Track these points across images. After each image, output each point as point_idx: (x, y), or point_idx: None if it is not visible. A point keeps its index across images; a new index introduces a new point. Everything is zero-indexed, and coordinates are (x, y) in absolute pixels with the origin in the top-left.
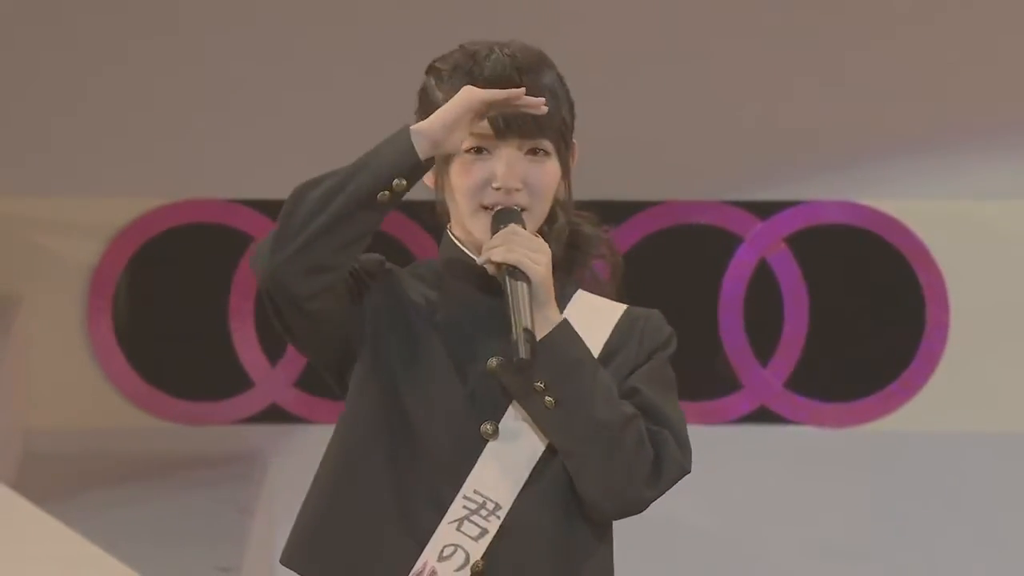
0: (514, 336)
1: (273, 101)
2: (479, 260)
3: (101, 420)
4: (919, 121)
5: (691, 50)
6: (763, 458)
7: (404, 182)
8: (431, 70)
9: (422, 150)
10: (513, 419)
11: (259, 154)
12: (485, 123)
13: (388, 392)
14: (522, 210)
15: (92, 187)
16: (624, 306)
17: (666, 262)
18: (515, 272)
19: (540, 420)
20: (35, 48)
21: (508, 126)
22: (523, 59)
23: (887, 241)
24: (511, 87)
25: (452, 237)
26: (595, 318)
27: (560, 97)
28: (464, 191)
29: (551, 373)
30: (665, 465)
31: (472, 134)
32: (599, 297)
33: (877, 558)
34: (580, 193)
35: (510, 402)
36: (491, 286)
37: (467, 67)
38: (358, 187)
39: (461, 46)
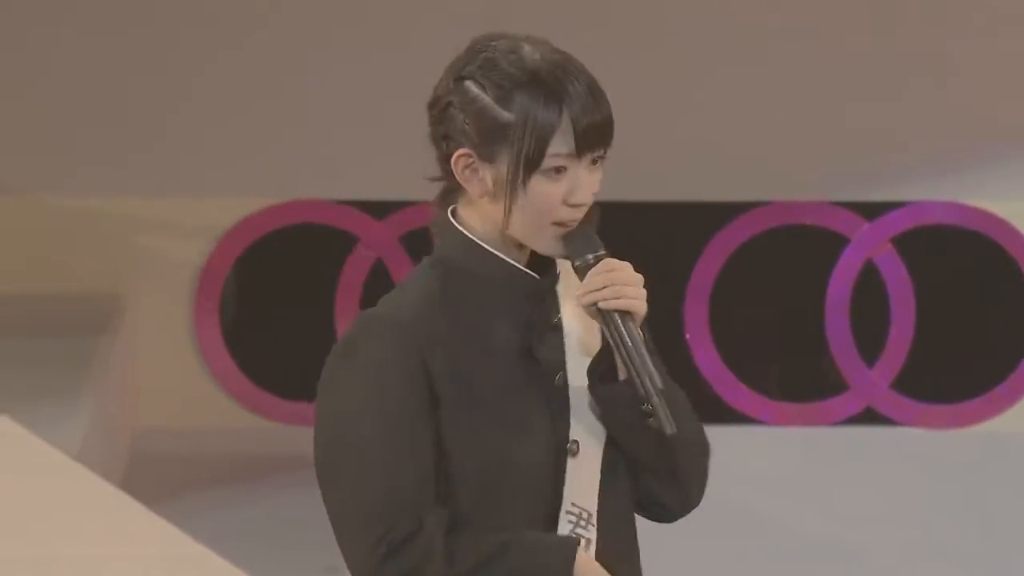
0: (648, 404)
1: (380, 102)
2: (580, 303)
3: (208, 420)
4: None
5: (799, 51)
6: (869, 460)
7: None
8: (474, 82)
9: None
10: (580, 426)
11: (365, 155)
12: (572, 144)
13: (467, 437)
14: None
15: (199, 188)
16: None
17: (773, 263)
18: (623, 314)
19: (634, 440)
20: (142, 50)
21: (589, 144)
22: (573, 67)
23: (994, 242)
24: (586, 107)
25: (473, 238)
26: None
27: (606, 96)
28: (544, 209)
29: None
30: (707, 464)
31: (558, 155)
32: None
33: (983, 561)
34: (687, 195)
35: (570, 409)
36: (534, 291)
37: (530, 84)
38: None
39: (487, 51)
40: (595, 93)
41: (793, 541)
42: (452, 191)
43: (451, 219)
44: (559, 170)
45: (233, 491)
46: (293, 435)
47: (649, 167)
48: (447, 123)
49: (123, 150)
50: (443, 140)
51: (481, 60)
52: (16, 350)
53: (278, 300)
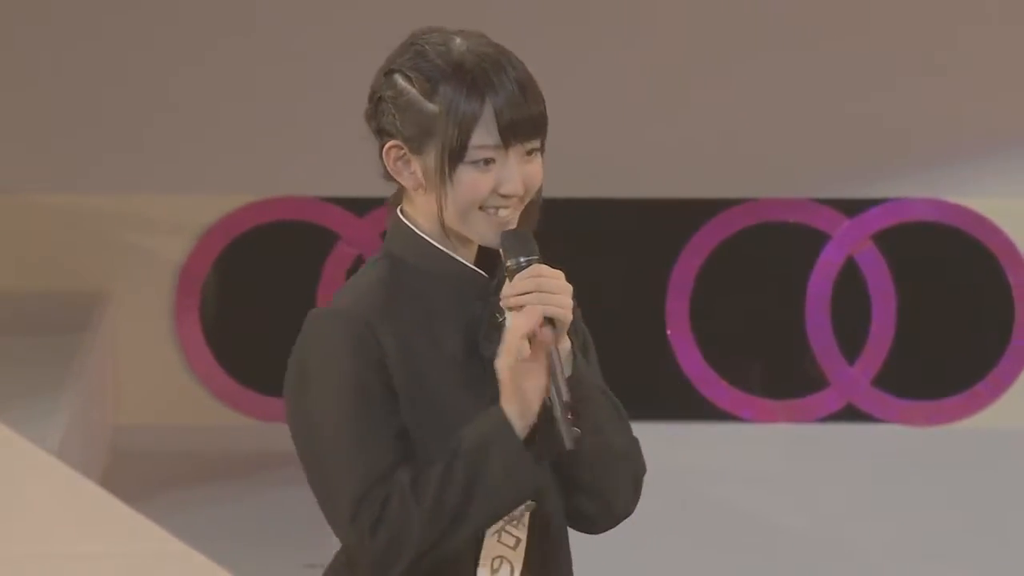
0: (557, 416)
1: (361, 99)
2: (504, 304)
3: (189, 417)
4: (1008, 119)
5: (781, 49)
6: (850, 456)
7: (533, 503)
8: (402, 75)
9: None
10: None
11: (347, 152)
12: (496, 135)
13: (414, 432)
14: (516, 205)
15: (180, 185)
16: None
17: (753, 260)
18: (545, 320)
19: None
20: (123, 47)
21: (515, 135)
22: (503, 60)
23: (975, 239)
24: (511, 98)
25: (420, 234)
26: None
27: (539, 89)
28: (470, 200)
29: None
30: (640, 473)
31: (482, 146)
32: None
33: (963, 556)
34: (668, 191)
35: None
36: (482, 288)
37: (455, 76)
38: (479, 524)
39: (418, 44)
40: (524, 85)
41: (775, 537)
42: (401, 189)
43: (399, 216)
44: (487, 162)
45: (214, 488)
46: (274, 432)
47: (629, 164)
48: (380, 117)
49: (103, 147)
50: (377, 134)
51: (411, 53)
52: None
53: (259, 297)
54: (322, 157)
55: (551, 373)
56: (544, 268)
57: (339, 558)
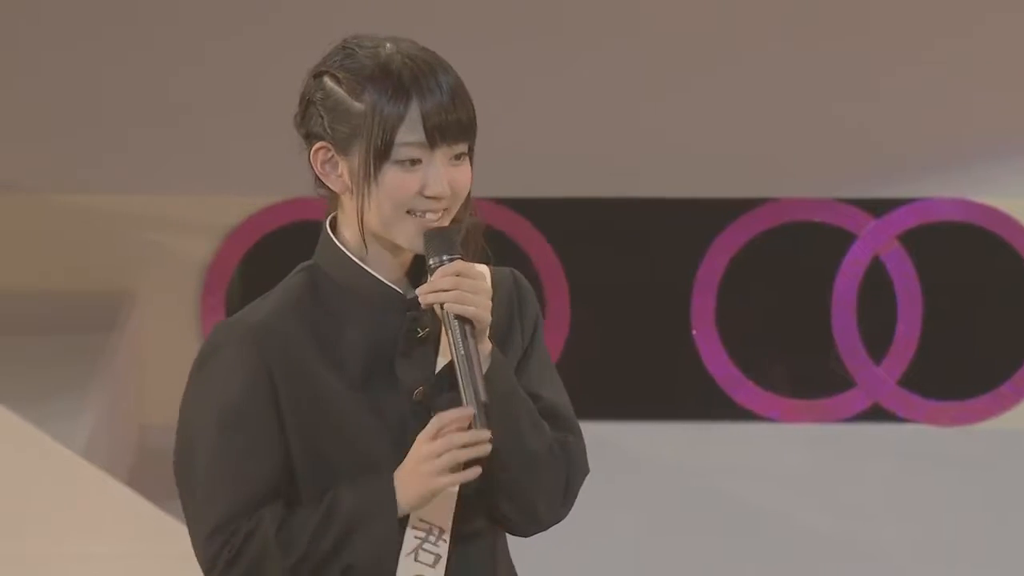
0: (468, 403)
1: None
2: (422, 301)
3: None
4: None
5: (805, 47)
6: (876, 456)
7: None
8: (330, 76)
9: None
10: None
11: None
12: (421, 134)
13: (309, 454)
14: (442, 213)
15: (206, 185)
16: (485, 268)
17: (779, 260)
18: (463, 320)
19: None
20: (150, 47)
21: (443, 136)
22: (432, 64)
23: (1002, 238)
24: (437, 99)
25: (343, 249)
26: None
27: (468, 93)
28: (396, 201)
29: (481, 415)
30: (575, 479)
31: (407, 144)
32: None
33: (988, 557)
34: (694, 191)
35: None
36: (398, 304)
37: (382, 77)
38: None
39: (348, 47)
40: (453, 88)
41: (800, 537)
42: (334, 198)
43: (326, 225)
44: (414, 162)
45: None
46: None
47: (655, 163)
48: (308, 121)
49: (130, 148)
50: (307, 139)
51: (340, 55)
52: (23, 347)
53: None
54: None
55: (462, 364)
56: (467, 267)
57: None
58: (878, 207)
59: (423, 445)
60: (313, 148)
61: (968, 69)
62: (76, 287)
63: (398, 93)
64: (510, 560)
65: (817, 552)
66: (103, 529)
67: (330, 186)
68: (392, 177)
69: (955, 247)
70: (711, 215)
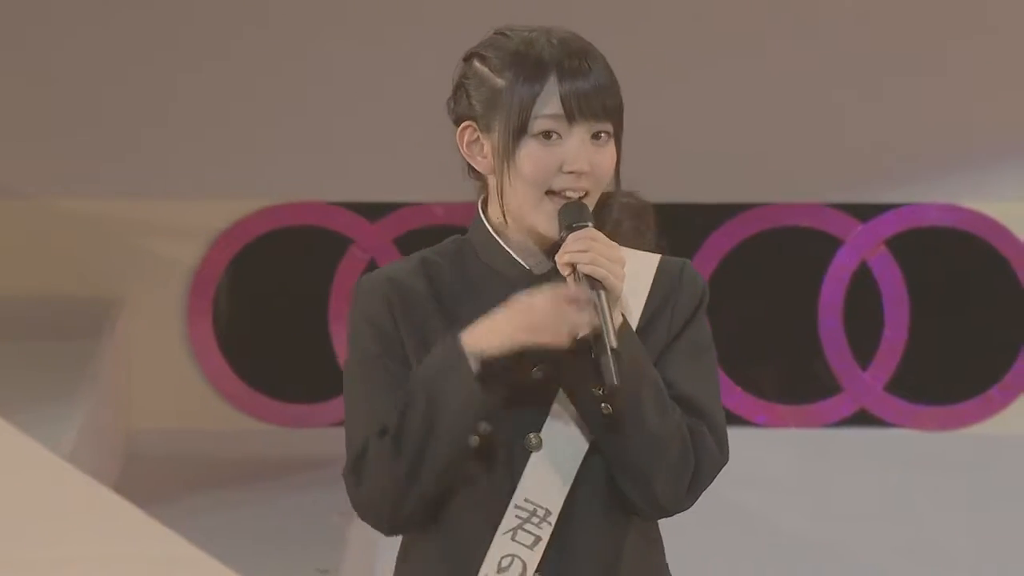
0: (599, 355)
1: (374, 104)
2: (558, 261)
3: (201, 422)
4: (1022, 122)
5: (793, 52)
6: (862, 461)
7: (489, 425)
8: (478, 57)
9: (476, 370)
10: (556, 424)
11: (359, 157)
12: (558, 105)
13: None
14: (584, 195)
15: (193, 190)
16: (657, 257)
17: (766, 265)
18: (594, 281)
19: (592, 424)
20: (135, 51)
21: (581, 111)
22: (578, 46)
23: (988, 244)
24: (577, 74)
25: (487, 225)
26: (633, 276)
27: (616, 81)
28: (534, 178)
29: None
30: (704, 469)
31: (543, 116)
32: (632, 250)
33: (976, 562)
34: (681, 196)
35: (551, 407)
36: (527, 280)
37: (525, 53)
38: (442, 451)
39: (501, 32)
40: (597, 71)
41: (787, 542)
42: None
43: (478, 204)
44: (548, 135)
45: (228, 492)
46: (287, 437)
47: (641, 169)
48: (458, 104)
49: (117, 152)
50: (456, 123)
51: (491, 39)
52: (9, 352)
53: (272, 302)
54: (335, 162)
55: (602, 319)
56: (598, 233)
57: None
58: (865, 212)
59: (524, 298)
60: (459, 128)
61: (956, 75)
62: (63, 292)
63: (537, 68)
64: (646, 561)
65: (803, 557)
66: (90, 534)
67: (476, 167)
68: (529, 151)
69: (942, 252)
70: (698, 220)
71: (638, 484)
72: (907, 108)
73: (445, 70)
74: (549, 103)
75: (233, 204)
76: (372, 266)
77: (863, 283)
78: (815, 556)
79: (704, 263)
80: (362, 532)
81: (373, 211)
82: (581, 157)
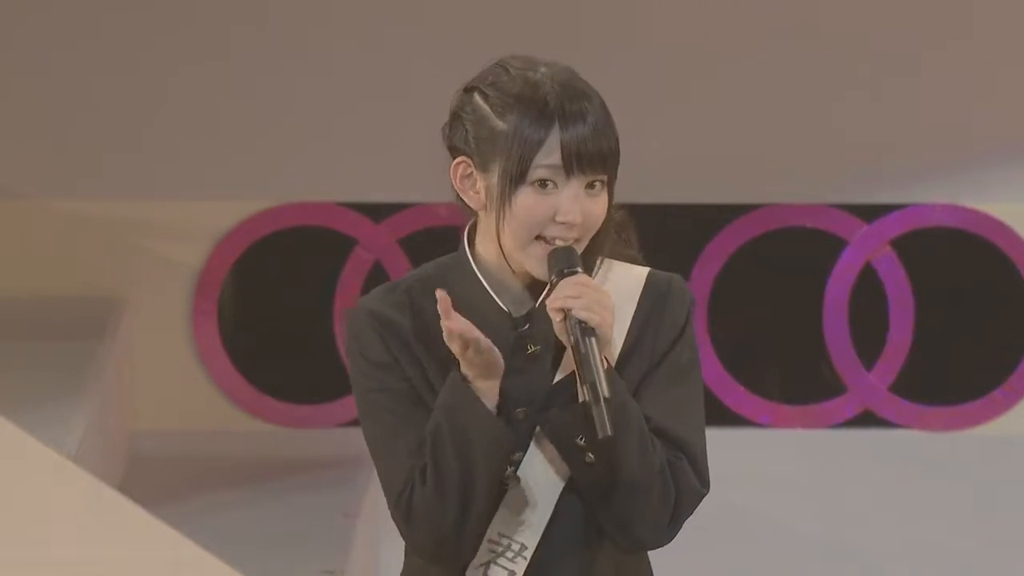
0: (587, 400)
1: (379, 104)
2: (549, 307)
3: (206, 423)
4: None
5: (797, 53)
6: (867, 462)
7: (522, 453)
8: (479, 92)
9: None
10: (534, 461)
11: (364, 157)
12: (558, 157)
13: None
14: (575, 240)
15: (197, 190)
16: (645, 272)
17: (771, 265)
18: (586, 328)
19: (574, 472)
20: (138, 51)
21: (579, 164)
22: (578, 90)
23: (994, 244)
24: (577, 124)
25: (471, 261)
26: (619, 294)
27: (613, 124)
28: (527, 223)
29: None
30: (683, 503)
31: (543, 166)
32: (620, 264)
33: (982, 563)
34: (685, 196)
35: (528, 443)
36: (506, 323)
37: (529, 98)
38: (483, 491)
39: (503, 66)
40: (597, 118)
41: (791, 543)
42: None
43: (464, 233)
44: (544, 184)
45: (232, 494)
46: (291, 438)
47: (646, 169)
48: (453, 134)
49: (120, 152)
50: (450, 151)
51: (493, 74)
52: (14, 353)
53: (276, 303)
54: (340, 163)
55: (586, 363)
56: (587, 278)
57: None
58: (870, 213)
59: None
60: (454, 162)
61: (960, 75)
62: (66, 292)
63: (541, 117)
64: None
65: (807, 557)
66: (95, 535)
67: (467, 201)
68: (525, 199)
69: (947, 253)
70: (702, 221)
71: (619, 526)
72: (912, 108)
73: (449, 70)
74: (550, 154)
75: (237, 204)
76: (377, 267)
77: (868, 284)
78: (820, 557)
79: (708, 263)
80: (368, 533)
81: (378, 211)
82: (575, 209)
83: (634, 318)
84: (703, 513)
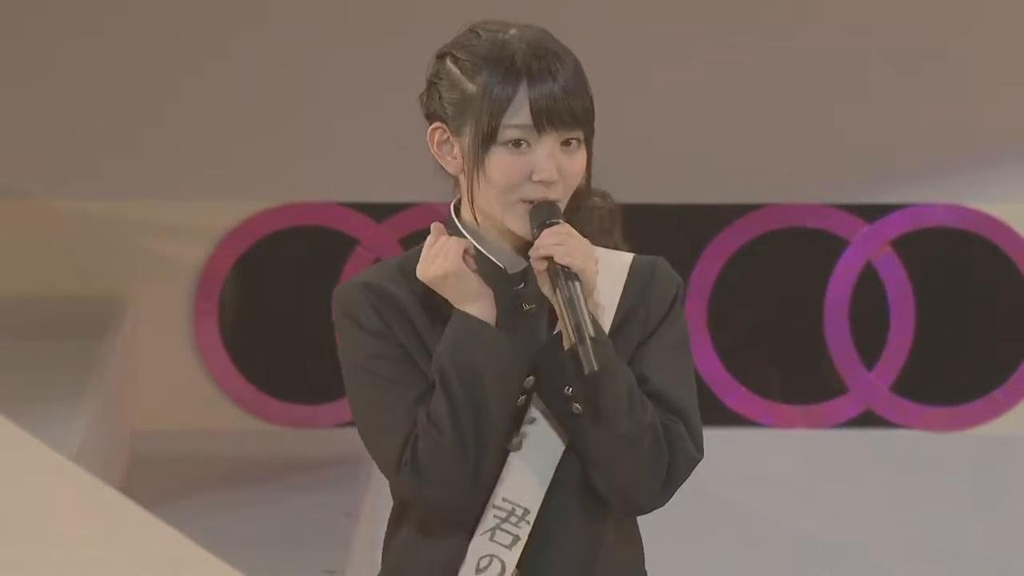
0: (574, 341)
1: (380, 104)
2: (532, 257)
3: (207, 423)
4: None
5: (797, 53)
6: (868, 462)
7: (532, 378)
8: (450, 57)
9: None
10: (534, 423)
11: (365, 157)
12: (527, 115)
13: None
14: (556, 200)
15: (199, 190)
16: (630, 257)
17: (772, 265)
18: (570, 273)
19: (564, 424)
20: (139, 51)
21: (550, 121)
22: (549, 48)
23: (993, 244)
24: (546, 81)
25: (460, 227)
26: (606, 275)
27: (587, 82)
28: (504, 185)
29: (580, 381)
30: (679, 466)
31: (512, 126)
32: (605, 249)
33: (983, 562)
34: (685, 196)
35: (528, 407)
36: (506, 285)
37: (497, 58)
38: (499, 421)
39: (475, 31)
40: (567, 76)
41: (792, 543)
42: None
43: (451, 206)
44: (518, 143)
45: (233, 493)
46: (292, 438)
47: (647, 170)
48: (430, 101)
49: (122, 152)
50: (427, 119)
51: (464, 38)
52: (16, 352)
53: (278, 303)
54: (341, 163)
55: (571, 304)
56: (571, 228)
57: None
58: (870, 213)
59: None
60: (430, 128)
61: (960, 75)
62: (69, 292)
63: (508, 76)
64: (624, 561)
65: (808, 557)
66: (96, 535)
67: (445, 167)
68: (498, 159)
69: (947, 252)
70: (703, 221)
71: (611, 481)
72: (912, 109)
73: None
74: (519, 112)
75: (239, 204)
76: None
77: (869, 284)
78: (821, 556)
79: (710, 264)
80: (368, 533)
81: (379, 211)
82: (550, 166)
83: (622, 297)
84: (703, 513)
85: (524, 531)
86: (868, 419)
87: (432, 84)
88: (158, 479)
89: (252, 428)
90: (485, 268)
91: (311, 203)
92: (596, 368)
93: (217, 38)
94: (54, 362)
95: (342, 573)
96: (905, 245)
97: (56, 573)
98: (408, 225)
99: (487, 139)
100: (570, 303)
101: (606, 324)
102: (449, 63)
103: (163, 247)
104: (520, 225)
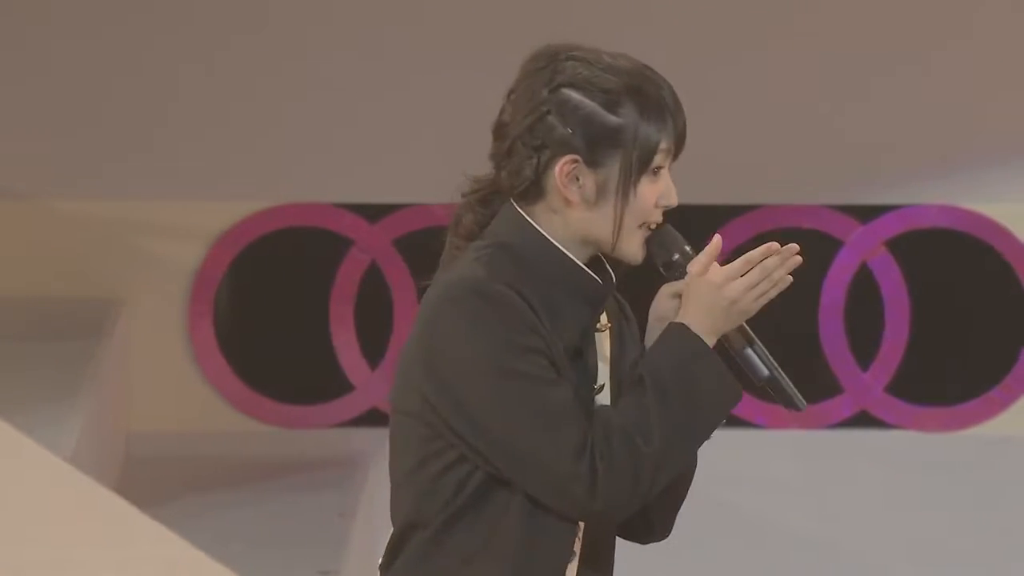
0: (773, 376)
1: (374, 105)
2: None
3: (202, 424)
4: (1022, 123)
5: (795, 54)
6: (863, 462)
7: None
8: (575, 88)
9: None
10: None
11: (359, 158)
12: (670, 144)
13: None
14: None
15: (194, 191)
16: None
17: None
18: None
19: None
20: (133, 52)
21: (680, 149)
22: (659, 75)
23: (989, 245)
24: (681, 110)
25: (554, 243)
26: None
27: None
28: (644, 211)
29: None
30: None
31: (661, 151)
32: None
33: (978, 563)
34: (683, 197)
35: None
36: (593, 295)
37: (642, 91)
38: (702, 439)
39: (582, 60)
40: (677, 97)
41: (787, 543)
42: (527, 193)
43: (523, 217)
44: (656, 171)
45: (228, 494)
46: (287, 438)
47: None
48: (544, 132)
49: (117, 153)
50: (537, 150)
51: (571, 69)
52: (10, 353)
53: (272, 303)
54: (335, 163)
55: (766, 355)
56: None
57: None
58: (865, 213)
59: (731, 284)
60: (560, 161)
61: (956, 76)
62: (63, 293)
63: (660, 108)
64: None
65: (804, 558)
66: (90, 536)
67: (566, 196)
68: (644, 188)
69: (942, 253)
70: (698, 222)
71: (667, 513)
72: (907, 109)
73: (446, 72)
74: (664, 142)
75: (234, 205)
76: (373, 267)
77: (863, 284)
78: (816, 557)
79: None
80: (364, 533)
81: (374, 212)
82: (674, 192)
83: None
84: (701, 512)
85: (577, 546)
86: (863, 420)
87: (548, 114)
88: (153, 480)
89: (247, 429)
90: (587, 285)
91: (306, 204)
92: (804, 407)
93: (211, 41)
94: (48, 363)
95: (337, 574)
96: (900, 246)
97: (50, 574)
98: (402, 226)
99: (641, 170)
100: (766, 355)
101: (606, 348)
102: (575, 95)
103: (158, 248)
104: (635, 250)
